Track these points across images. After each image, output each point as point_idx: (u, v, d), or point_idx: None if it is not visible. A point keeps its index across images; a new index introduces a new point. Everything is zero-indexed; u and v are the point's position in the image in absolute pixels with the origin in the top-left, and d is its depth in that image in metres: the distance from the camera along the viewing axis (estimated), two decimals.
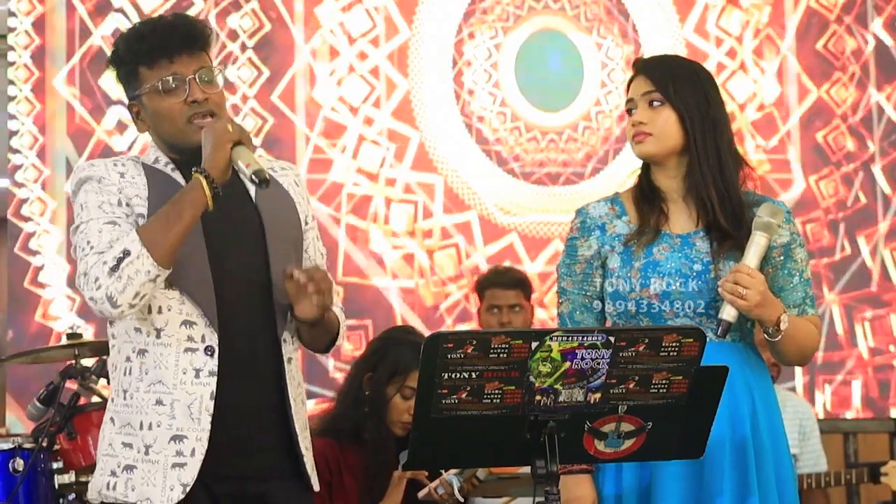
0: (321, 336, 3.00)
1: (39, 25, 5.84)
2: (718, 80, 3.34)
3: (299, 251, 3.01)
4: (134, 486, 2.82)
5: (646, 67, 3.10)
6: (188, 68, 2.89)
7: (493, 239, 6.13)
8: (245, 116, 5.89)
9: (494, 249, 6.11)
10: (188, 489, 2.80)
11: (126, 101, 3.01)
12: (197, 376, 2.83)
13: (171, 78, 2.88)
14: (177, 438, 2.82)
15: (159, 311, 2.85)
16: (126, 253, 2.74)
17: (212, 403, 2.82)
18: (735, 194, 3.02)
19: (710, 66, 6.14)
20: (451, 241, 6.08)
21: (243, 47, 5.97)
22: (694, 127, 3.02)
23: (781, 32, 6.34)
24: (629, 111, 3.09)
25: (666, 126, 3.03)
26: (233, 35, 5.97)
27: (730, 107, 6.19)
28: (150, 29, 2.93)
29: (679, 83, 3.04)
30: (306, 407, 3.02)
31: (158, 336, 2.85)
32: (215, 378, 2.83)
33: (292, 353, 2.95)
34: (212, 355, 2.84)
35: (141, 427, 2.84)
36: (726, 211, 3.00)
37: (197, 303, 2.84)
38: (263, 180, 2.75)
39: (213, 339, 2.84)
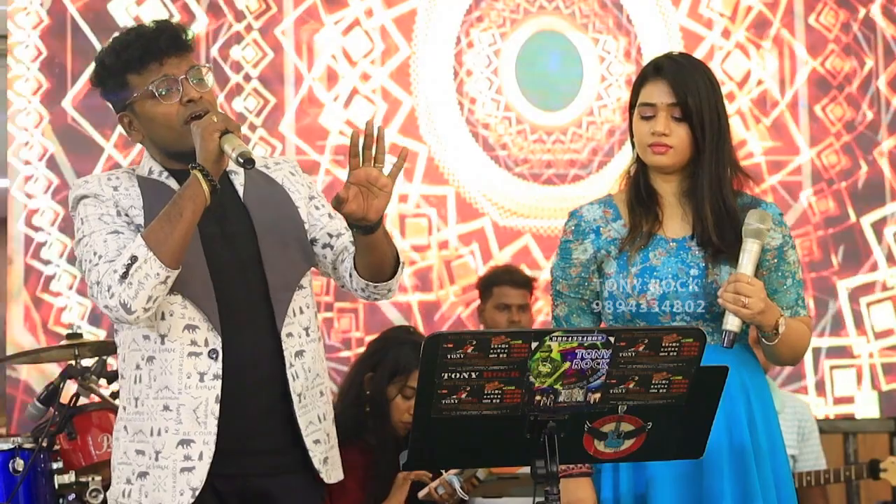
0: (380, 256, 2.89)
1: (45, 38, 5.84)
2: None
3: (302, 240, 2.96)
4: (147, 492, 2.83)
5: (668, 73, 3.03)
6: (179, 69, 2.87)
7: (508, 242, 6.13)
8: (255, 145, 5.89)
9: (510, 253, 6.11)
10: (197, 493, 2.80)
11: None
12: (202, 380, 2.83)
13: (164, 80, 2.86)
14: (184, 443, 2.82)
15: (162, 317, 2.85)
16: (133, 259, 2.74)
17: (217, 407, 2.82)
18: (730, 207, 3.01)
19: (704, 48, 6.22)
20: (466, 250, 6.07)
21: (247, 77, 5.97)
22: (705, 144, 3.01)
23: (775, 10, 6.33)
24: (645, 116, 3.03)
25: (684, 141, 3.02)
26: (236, 67, 5.97)
27: (727, 87, 6.19)
28: (135, 36, 2.90)
29: (698, 97, 3.00)
30: (327, 397, 2.98)
31: (163, 342, 2.85)
32: (220, 381, 2.82)
33: (304, 345, 2.91)
34: (216, 359, 2.83)
35: (151, 433, 2.84)
36: (720, 226, 2.99)
37: (199, 307, 2.84)
38: (248, 160, 2.71)
39: (216, 343, 2.84)
